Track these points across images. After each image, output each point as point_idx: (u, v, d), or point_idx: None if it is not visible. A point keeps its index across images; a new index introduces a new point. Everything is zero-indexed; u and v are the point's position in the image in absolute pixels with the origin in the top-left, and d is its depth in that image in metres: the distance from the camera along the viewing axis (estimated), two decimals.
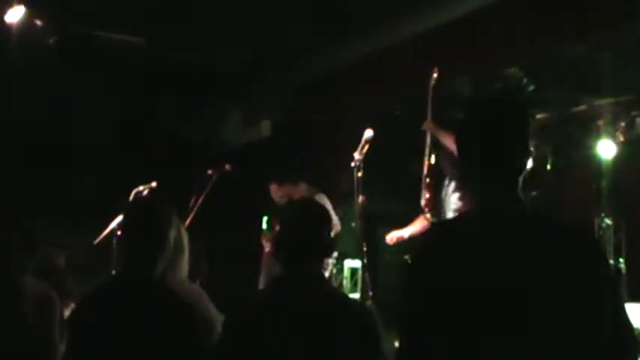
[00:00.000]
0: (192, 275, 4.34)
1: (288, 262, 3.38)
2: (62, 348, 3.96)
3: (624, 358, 2.38)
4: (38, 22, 8.21)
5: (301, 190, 8.62)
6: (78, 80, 9.20)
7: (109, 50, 9.09)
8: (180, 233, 3.83)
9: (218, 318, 3.87)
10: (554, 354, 2.27)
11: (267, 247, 9.65)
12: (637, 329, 7.58)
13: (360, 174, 6.65)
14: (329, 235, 3.43)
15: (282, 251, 3.41)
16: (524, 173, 2.51)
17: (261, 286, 9.65)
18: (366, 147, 6.68)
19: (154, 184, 7.63)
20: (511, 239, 2.39)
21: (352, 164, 6.68)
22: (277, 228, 3.59)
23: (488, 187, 2.52)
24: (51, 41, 8.45)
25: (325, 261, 3.58)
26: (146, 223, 3.63)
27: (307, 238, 3.36)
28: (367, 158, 6.73)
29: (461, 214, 2.72)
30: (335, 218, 8.40)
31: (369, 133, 6.70)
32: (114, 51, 9.12)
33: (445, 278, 2.40)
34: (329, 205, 8.33)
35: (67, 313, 4.64)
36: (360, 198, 6.72)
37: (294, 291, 3.31)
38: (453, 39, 8.47)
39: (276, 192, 8.81)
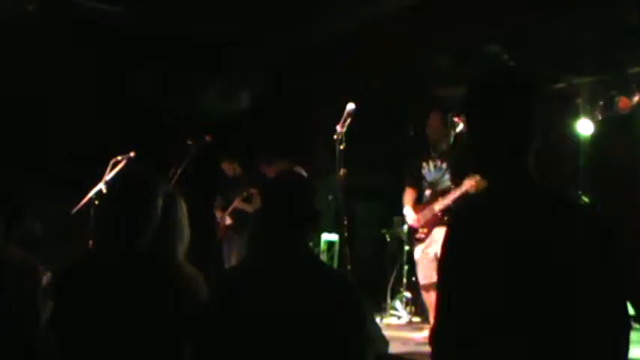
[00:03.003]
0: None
1: (274, 234, 3.37)
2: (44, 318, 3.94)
3: (618, 337, 2.39)
4: None
5: (277, 168, 8.65)
6: (55, 49, 9.11)
7: (87, 19, 9.01)
8: (175, 205, 3.78)
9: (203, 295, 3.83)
10: (554, 328, 2.33)
11: (223, 220, 9.68)
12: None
13: (342, 147, 6.65)
14: (314, 206, 3.43)
15: (268, 224, 3.39)
16: (531, 149, 2.55)
17: (226, 259, 9.69)
18: (348, 120, 6.67)
19: (132, 154, 7.60)
20: (521, 212, 2.45)
21: (335, 137, 6.67)
22: (261, 201, 3.57)
23: (494, 165, 2.59)
24: (30, 8, 8.35)
25: (310, 233, 3.56)
26: (133, 192, 3.59)
27: (293, 210, 3.35)
28: (348, 131, 6.73)
29: (486, 190, 2.79)
30: None
31: (351, 106, 6.69)
32: (92, 20, 9.04)
33: (466, 249, 2.52)
34: None
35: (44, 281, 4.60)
36: (342, 171, 6.72)
37: (280, 263, 3.30)
38: (434, 13, 8.45)
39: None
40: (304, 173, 8.33)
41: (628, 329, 2.44)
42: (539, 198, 2.50)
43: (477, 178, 7.24)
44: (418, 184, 7.97)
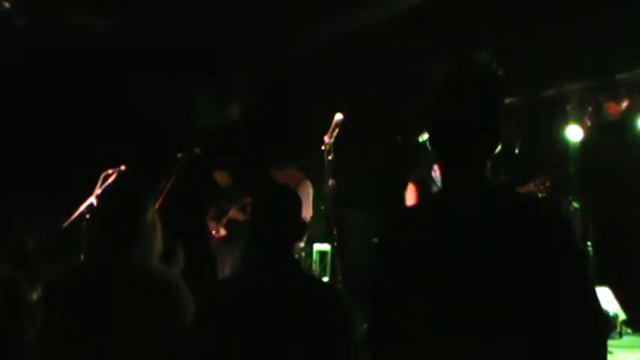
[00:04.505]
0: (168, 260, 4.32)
1: (260, 246, 3.40)
2: (31, 332, 3.95)
3: (590, 339, 2.33)
4: (6, 4, 8.15)
5: (288, 175, 8.67)
6: (47, 61, 9.11)
7: (77, 31, 9.02)
8: (154, 216, 3.82)
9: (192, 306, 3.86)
10: (518, 334, 2.28)
11: (217, 231, 9.66)
12: (605, 311, 7.66)
13: (330, 157, 6.66)
14: (299, 218, 3.46)
15: (254, 235, 3.42)
16: (491, 154, 2.49)
17: (219, 270, 9.67)
18: (336, 130, 6.69)
19: (122, 167, 7.60)
20: (469, 223, 2.40)
21: (322, 148, 6.68)
22: (250, 213, 3.61)
23: (449, 173, 2.54)
24: (20, 22, 8.36)
25: (295, 245, 3.60)
26: (122, 205, 3.61)
27: (278, 222, 3.38)
28: (337, 141, 6.74)
29: (426, 199, 2.71)
30: (308, 212, 8.44)
31: (339, 116, 6.71)
32: (83, 32, 9.05)
33: (404, 260, 2.48)
34: (311, 192, 8.39)
35: (34, 296, 4.61)
36: (330, 182, 6.73)
37: (266, 275, 3.33)
38: (424, 21, 8.46)
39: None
40: (308, 182, 8.47)
41: (601, 331, 2.42)
42: (490, 204, 2.44)
43: None
44: (424, 183, 7.97)
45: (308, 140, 8.46)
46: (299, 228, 3.45)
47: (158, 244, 3.78)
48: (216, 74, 10.51)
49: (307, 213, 8.43)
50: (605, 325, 2.45)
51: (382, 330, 2.55)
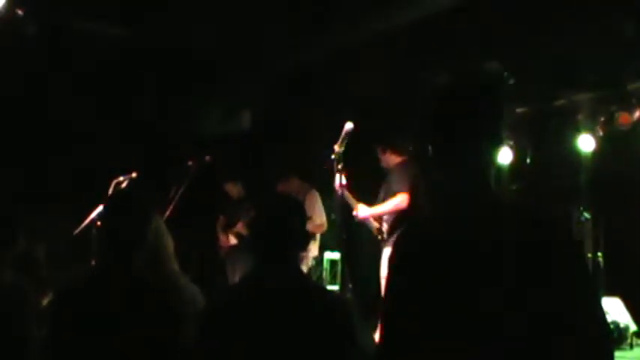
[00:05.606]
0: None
1: (264, 254, 3.41)
2: (38, 338, 3.96)
3: (594, 342, 2.27)
4: (19, 12, 8.18)
5: (293, 186, 8.69)
6: (57, 69, 9.14)
7: (88, 40, 9.05)
8: (161, 226, 3.83)
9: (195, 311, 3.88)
10: (524, 345, 2.24)
11: (226, 240, 9.66)
12: (615, 322, 7.61)
13: (339, 166, 6.66)
14: (302, 228, 3.47)
15: (258, 244, 3.43)
16: (494, 161, 2.46)
17: (230, 278, 9.67)
18: (346, 139, 6.69)
19: (134, 174, 7.62)
20: (475, 234, 2.36)
21: (332, 156, 6.68)
22: (254, 221, 3.62)
23: (452, 185, 2.50)
24: (30, 31, 8.40)
25: (300, 254, 3.61)
26: (124, 215, 3.63)
27: (281, 231, 3.39)
28: (346, 150, 6.74)
29: (433, 213, 2.68)
30: (323, 218, 8.47)
31: (349, 125, 6.70)
32: (94, 40, 9.08)
33: (405, 267, 2.49)
34: (319, 202, 8.43)
35: (44, 303, 4.64)
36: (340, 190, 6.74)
37: (269, 283, 3.34)
38: (433, 30, 8.46)
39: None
40: (315, 191, 8.52)
41: (608, 334, 2.39)
42: (487, 207, 2.42)
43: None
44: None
45: (311, 150, 8.51)
46: (303, 237, 3.46)
47: (170, 247, 3.81)
48: (226, 84, 10.52)
49: (321, 219, 8.54)
50: (609, 327, 2.38)
51: (386, 338, 2.53)
